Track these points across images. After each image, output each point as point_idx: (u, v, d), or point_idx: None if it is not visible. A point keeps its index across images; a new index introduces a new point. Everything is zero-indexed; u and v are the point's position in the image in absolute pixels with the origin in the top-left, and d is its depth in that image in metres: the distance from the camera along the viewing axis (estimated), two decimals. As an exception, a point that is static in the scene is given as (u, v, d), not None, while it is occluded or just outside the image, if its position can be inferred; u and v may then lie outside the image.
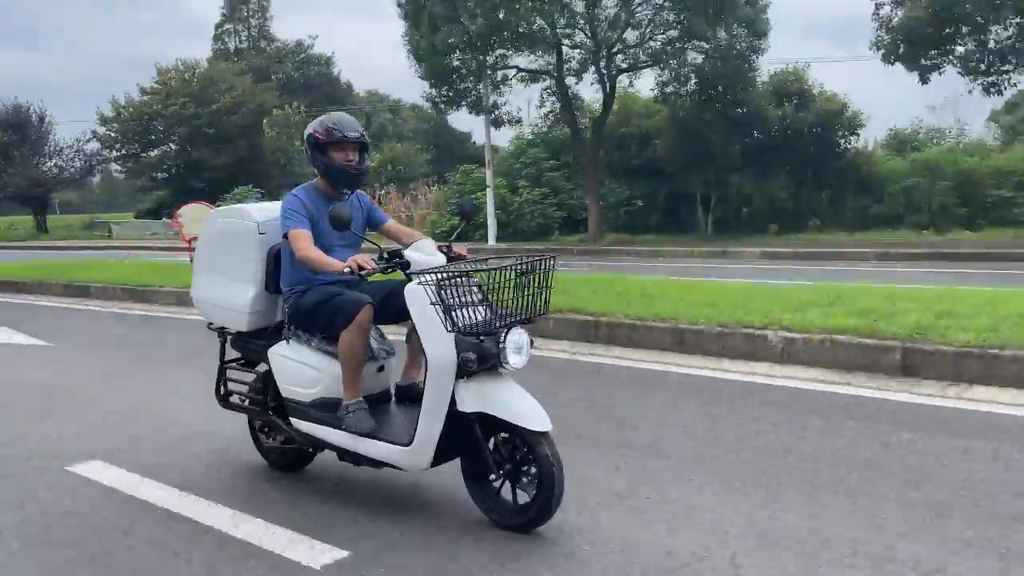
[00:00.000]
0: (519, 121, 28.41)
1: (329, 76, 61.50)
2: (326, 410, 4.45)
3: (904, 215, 25.41)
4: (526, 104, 72.41)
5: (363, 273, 4.12)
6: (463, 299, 4.00)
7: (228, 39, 63.97)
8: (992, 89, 21.29)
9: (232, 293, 4.83)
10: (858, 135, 27.26)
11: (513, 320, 3.99)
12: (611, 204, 27.76)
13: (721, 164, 26.07)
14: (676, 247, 21.69)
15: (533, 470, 3.95)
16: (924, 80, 21.67)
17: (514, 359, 3.95)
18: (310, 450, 4.75)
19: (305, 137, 4.68)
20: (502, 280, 3.94)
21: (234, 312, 4.84)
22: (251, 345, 4.88)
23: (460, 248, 4.55)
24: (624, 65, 25.73)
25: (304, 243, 4.44)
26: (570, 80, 25.85)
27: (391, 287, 4.52)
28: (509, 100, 28.79)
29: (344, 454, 4.45)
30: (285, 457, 4.97)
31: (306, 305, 4.51)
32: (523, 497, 4.01)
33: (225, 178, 42.96)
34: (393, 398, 4.74)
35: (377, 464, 4.32)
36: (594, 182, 25.67)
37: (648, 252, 21.29)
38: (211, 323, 5.11)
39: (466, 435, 4.05)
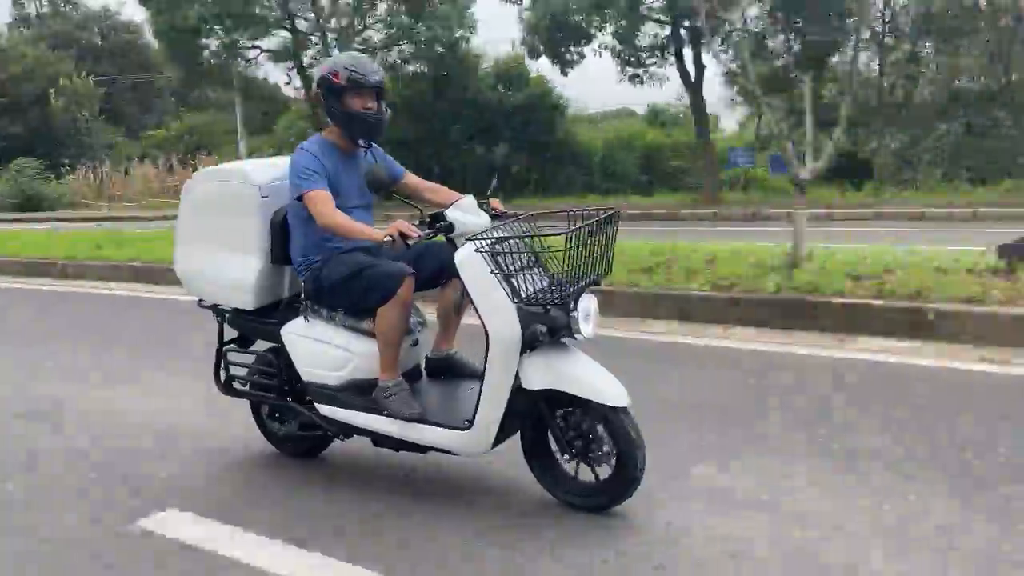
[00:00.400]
0: (271, 98, 26.52)
1: (135, 43, 49.03)
2: (358, 393, 3.29)
3: (601, 183, 25.80)
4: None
5: (410, 243, 2.99)
6: (519, 264, 2.98)
7: (28, 4, 51.20)
8: (636, 79, 21.80)
9: (231, 267, 3.49)
10: (562, 114, 27.03)
11: (581, 285, 2.97)
12: (366, 173, 26.49)
13: (451, 140, 25.47)
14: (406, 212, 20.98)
15: (605, 447, 3.02)
16: (564, 72, 21.83)
17: (586, 329, 2.98)
18: (340, 438, 3.53)
19: (317, 81, 3.36)
20: (570, 242, 2.86)
21: (235, 288, 3.50)
22: (256, 324, 3.57)
23: (496, 203, 3.40)
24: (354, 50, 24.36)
25: (327, 207, 3.20)
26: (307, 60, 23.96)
27: (419, 251, 3.38)
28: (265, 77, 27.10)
29: (382, 440, 3.33)
30: (303, 444, 3.72)
31: (332, 278, 3.28)
32: (596, 475, 3.09)
33: (19, 147, 36.69)
34: (424, 373, 3.60)
35: (422, 449, 3.25)
36: None
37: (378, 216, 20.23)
38: (202, 300, 3.72)
39: (527, 412, 3.10)
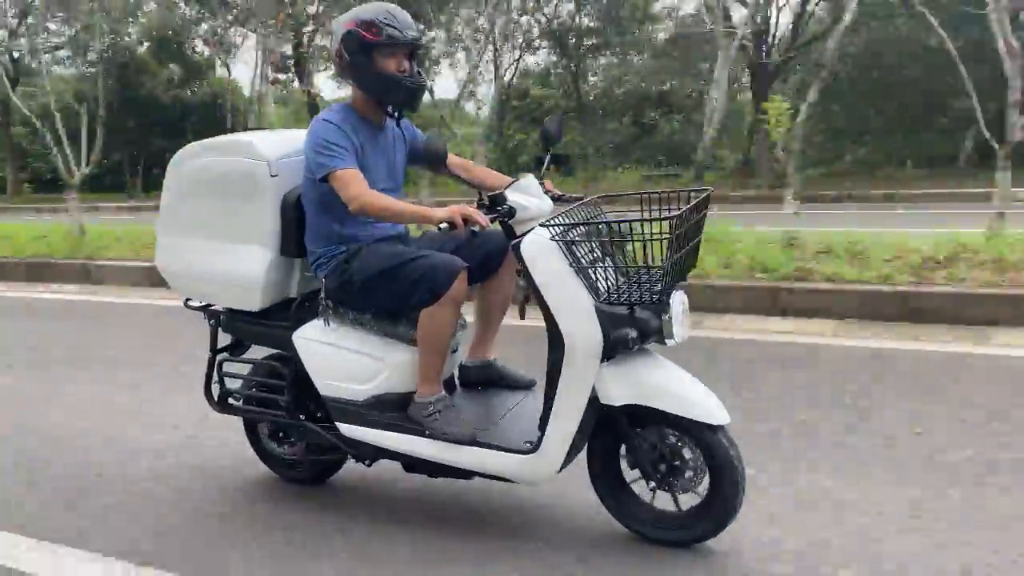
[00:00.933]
0: None
1: None
2: (389, 409, 2.75)
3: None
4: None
5: (476, 229, 2.47)
6: (592, 256, 2.48)
7: None
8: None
9: (232, 259, 2.87)
10: (239, 111, 26.61)
11: (672, 280, 2.46)
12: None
13: (132, 135, 26.44)
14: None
15: (696, 472, 2.53)
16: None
17: (679, 332, 2.48)
18: (366, 463, 2.96)
19: (341, 37, 2.70)
20: (675, 228, 2.33)
21: (237, 286, 2.89)
22: (260, 328, 2.97)
23: (549, 184, 2.84)
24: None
25: (361, 187, 2.61)
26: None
27: (458, 239, 2.84)
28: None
29: (417, 464, 2.80)
30: (310, 469, 3.13)
31: (365, 272, 2.69)
32: (680, 503, 2.59)
33: None
34: (458, 384, 3.05)
35: (467, 475, 2.72)
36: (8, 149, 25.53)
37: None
38: (189, 300, 3.11)
39: (598, 429, 2.61)
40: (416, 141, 2.99)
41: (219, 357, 3.11)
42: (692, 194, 2.51)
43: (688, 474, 2.55)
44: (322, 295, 2.81)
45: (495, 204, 2.55)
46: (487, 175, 2.97)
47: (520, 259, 2.49)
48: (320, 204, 2.76)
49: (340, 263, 2.76)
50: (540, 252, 2.46)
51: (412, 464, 2.82)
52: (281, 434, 3.12)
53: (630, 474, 2.66)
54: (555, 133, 2.86)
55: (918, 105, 18.77)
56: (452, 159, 3.01)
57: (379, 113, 2.83)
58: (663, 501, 2.62)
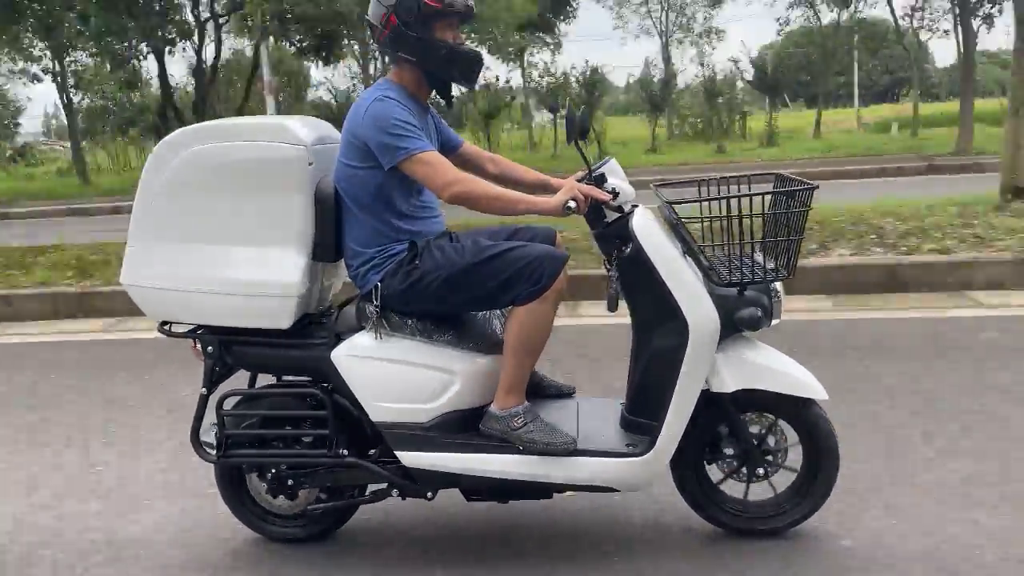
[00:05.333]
0: None
1: None
2: (456, 429, 2.37)
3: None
4: None
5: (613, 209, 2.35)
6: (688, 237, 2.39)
7: None
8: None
9: (259, 267, 2.32)
10: None
11: (774, 266, 2.38)
12: None
13: None
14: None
15: (781, 455, 2.47)
16: None
17: (779, 313, 2.40)
18: (427, 496, 2.46)
19: (394, 2, 2.29)
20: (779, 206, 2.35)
21: (267, 299, 2.32)
22: (281, 351, 2.41)
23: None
24: None
25: (457, 171, 2.28)
26: None
27: (512, 229, 2.58)
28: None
29: (487, 489, 2.44)
30: (319, 521, 2.59)
31: (450, 269, 2.28)
32: (762, 490, 2.51)
33: None
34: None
35: (548, 493, 2.44)
36: None
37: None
38: (169, 325, 2.45)
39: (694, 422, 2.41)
40: (444, 132, 2.63)
41: (227, 394, 2.47)
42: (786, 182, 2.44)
43: (781, 456, 2.50)
44: (375, 303, 2.36)
45: (598, 185, 2.35)
46: (508, 166, 2.69)
47: (629, 239, 2.32)
48: (375, 196, 2.33)
49: (403, 262, 2.34)
50: (654, 231, 2.31)
51: (478, 489, 2.45)
52: (290, 482, 2.53)
53: (714, 470, 2.55)
54: (584, 127, 2.59)
55: None
56: (478, 152, 2.72)
57: (426, 93, 2.47)
58: (743, 491, 2.53)
